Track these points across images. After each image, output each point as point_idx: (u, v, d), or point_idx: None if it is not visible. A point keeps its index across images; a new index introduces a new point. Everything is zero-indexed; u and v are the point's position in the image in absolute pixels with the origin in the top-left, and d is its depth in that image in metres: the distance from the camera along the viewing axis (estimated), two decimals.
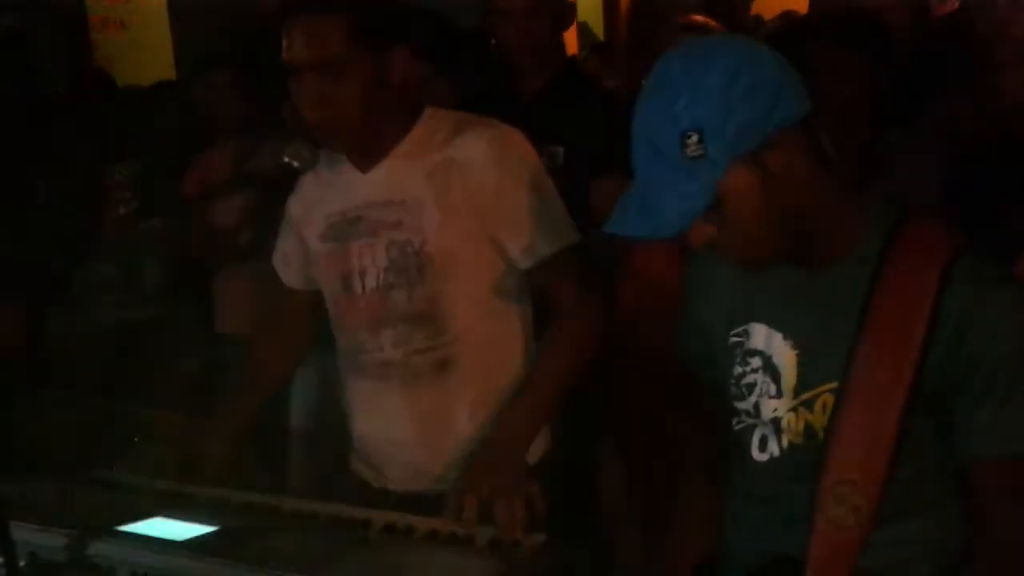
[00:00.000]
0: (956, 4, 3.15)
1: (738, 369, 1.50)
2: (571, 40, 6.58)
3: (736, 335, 1.52)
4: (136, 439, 2.39)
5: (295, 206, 2.13)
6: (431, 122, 1.98)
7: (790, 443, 1.45)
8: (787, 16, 4.01)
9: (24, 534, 1.63)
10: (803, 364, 1.43)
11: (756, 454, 1.49)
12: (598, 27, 7.35)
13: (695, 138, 1.30)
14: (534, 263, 1.95)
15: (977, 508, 1.38)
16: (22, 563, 1.60)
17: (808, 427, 1.42)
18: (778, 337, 1.46)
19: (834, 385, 1.39)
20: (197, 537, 1.68)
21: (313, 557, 1.59)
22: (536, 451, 1.98)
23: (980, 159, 2.40)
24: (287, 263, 2.18)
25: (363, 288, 1.99)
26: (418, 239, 1.93)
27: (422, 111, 2.00)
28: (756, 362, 1.48)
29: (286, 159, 2.00)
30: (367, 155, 1.98)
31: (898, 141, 2.53)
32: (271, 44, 1.94)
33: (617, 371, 2.15)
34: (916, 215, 1.44)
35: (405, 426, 2.00)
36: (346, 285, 2.01)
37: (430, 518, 1.78)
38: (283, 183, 2.11)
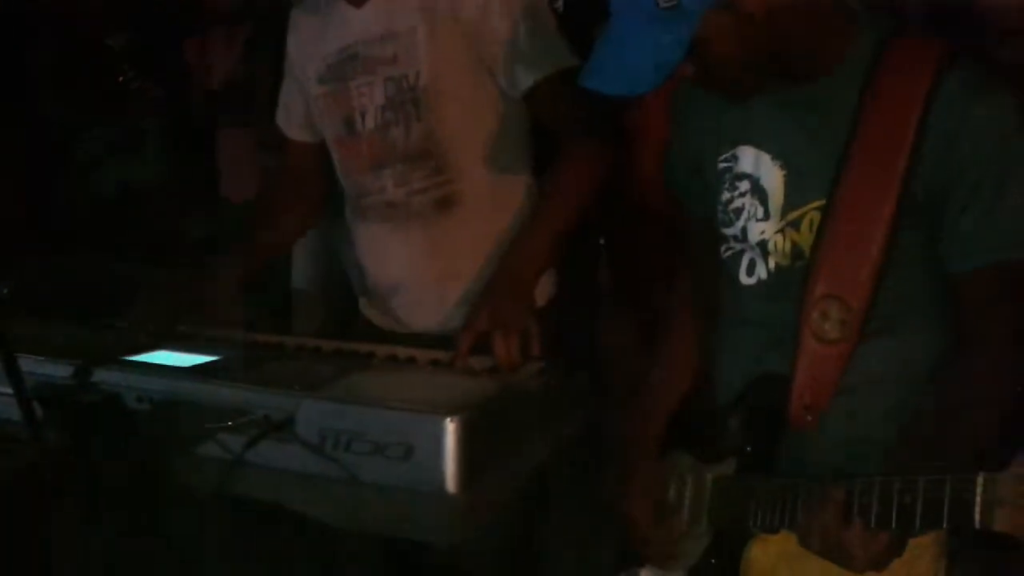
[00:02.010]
0: None
1: (726, 195, 1.48)
2: None
3: (725, 160, 1.49)
4: (142, 295, 2.40)
5: (293, 47, 2.10)
6: None
7: (777, 265, 1.43)
8: None
9: (32, 365, 1.64)
10: (790, 183, 1.41)
11: (744, 278, 1.48)
12: None
13: None
14: (527, 88, 1.89)
15: (963, 317, 1.37)
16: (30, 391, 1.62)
17: (795, 247, 1.41)
18: (766, 158, 1.44)
19: (821, 203, 1.38)
20: (200, 364, 1.71)
21: (315, 378, 1.60)
22: (541, 295, 1.97)
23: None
24: (289, 113, 2.15)
25: (363, 128, 1.97)
26: (412, 72, 1.91)
27: None
28: (744, 186, 1.46)
29: None
30: None
31: None
32: None
33: (617, 206, 2.13)
34: (905, 29, 1.41)
35: (411, 266, 2.00)
36: (348, 126, 2.00)
37: (432, 350, 1.80)
38: (276, 17, 2.08)
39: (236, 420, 1.52)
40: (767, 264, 1.45)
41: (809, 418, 1.38)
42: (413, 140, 1.93)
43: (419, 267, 1.99)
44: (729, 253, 1.50)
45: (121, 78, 3.69)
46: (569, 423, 1.69)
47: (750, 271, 1.48)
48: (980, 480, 1.10)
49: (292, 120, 2.16)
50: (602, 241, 2.56)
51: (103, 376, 1.65)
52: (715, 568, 1.50)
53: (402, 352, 1.80)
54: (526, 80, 1.89)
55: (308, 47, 2.05)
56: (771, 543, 1.42)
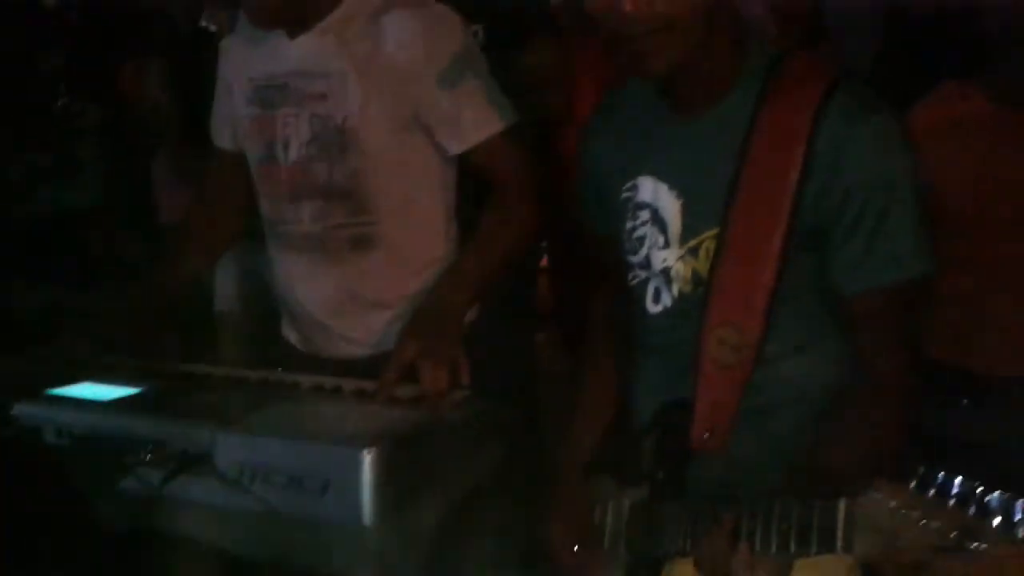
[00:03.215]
0: None
1: (629, 223, 1.51)
2: None
3: (627, 190, 1.52)
4: (69, 322, 2.38)
5: (225, 64, 2.09)
6: None
7: (680, 292, 1.46)
8: None
9: None
10: (687, 212, 1.44)
11: (651, 306, 1.50)
12: None
13: None
14: (466, 149, 1.91)
15: (853, 340, 1.40)
16: None
17: (695, 274, 1.43)
18: (663, 188, 1.46)
19: (716, 231, 1.40)
20: (121, 397, 1.69)
21: (235, 410, 1.60)
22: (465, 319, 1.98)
23: (915, 23, 2.41)
24: (219, 122, 2.14)
25: (286, 158, 1.96)
26: (340, 115, 1.89)
27: None
28: (645, 215, 1.49)
29: (203, 24, 1.97)
30: (294, 25, 1.93)
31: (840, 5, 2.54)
32: None
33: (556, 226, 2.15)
34: (792, 53, 1.44)
35: (324, 299, 1.99)
36: (269, 153, 1.98)
37: (357, 379, 1.80)
38: (203, 49, 2.07)
39: (154, 454, 1.52)
40: (671, 291, 1.47)
41: (711, 442, 1.41)
42: (336, 178, 1.92)
43: (333, 301, 1.98)
44: (636, 281, 1.53)
45: (59, 102, 3.67)
46: (492, 453, 1.70)
47: (656, 299, 1.50)
48: (842, 506, 1.12)
49: (221, 129, 2.14)
50: (544, 243, 2.59)
51: (22, 410, 1.64)
52: None
53: (328, 382, 1.80)
54: (461, 145, 1.91)
55: (238, 68, 2.04)
56: (683, 568, 1.45)
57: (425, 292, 1.93)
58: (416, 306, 1.92)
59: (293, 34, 1.93)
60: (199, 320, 2.82)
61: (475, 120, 1.89)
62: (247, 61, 2.01)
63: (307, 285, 2.00)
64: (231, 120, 2.09)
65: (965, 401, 1.81)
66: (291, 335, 2.11)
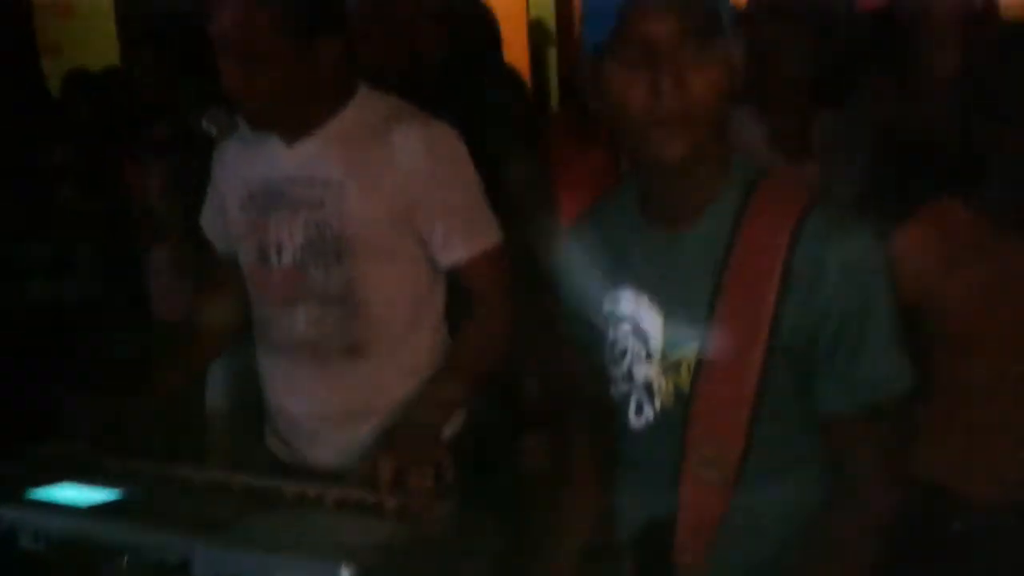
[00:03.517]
0: None
1: (612, 335, 1.51)
2: (522, 38, 6.60)
3: (609, 302, 1.53)
4: (62, 419, 2.37)
5: (219, 168, 2.11)
6: (365, 104, 1.96)
7: (662, 406, 1.46)
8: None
9: None
10: (668, 326, 1.45)
11: (633, 420, 1.50)
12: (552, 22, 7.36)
13: None
14: (454, 263, 1.95)
15: (833, 462, 1.39)
16: None
17: (677, 389, 1.43)
18: (645, 301, 1.47)
19: (696, 346, 1.40)
20: (101, 502, 1.67)
21: (217, 520, 1.57)
22: (450, 428, 1.98)
23: (904, 143, 2.44)
24: (211, 223, 2.16)
25: (279, 262, 1.97)
26: (337, 222, 1.91)
27: (355, 90, 1.97)
28: (626, 327, 1.49)
29: (204, 126, 2.00)
30: (293, 131, 1.96)
31: (830, 124, 2.58)
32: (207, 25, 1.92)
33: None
34: (773, 172, 1.46)
35: (313, 404, 2.00)
36: (262, 257, 2.00)
37: (340, 488, 1.78)
38: (203, 151, 2.10)
39: (131, 563, 1.49)
40: (653, 405, 1.47)
41: (694, 560, 1.39)
42: (332, 283, 1.94)
43: (323, 406, 1.98)
44: (618, 394, 1.53)
45: (65, 195, 3.71)
46: (476, 567, 1.67)
47: (638, 412, 1.50)
48: None
49: (214, 231, 2.17)
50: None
51: None
52: None
53: (311, 489, 1.78)
54: (451, 259, 1.95)
55: (233, 171, 2.06)
56: None
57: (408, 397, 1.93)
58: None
59: (290, 140, 1.95)
60: (192, 418, 2.80)
61: (466, 236, 1.93)
62: (242, 165, 2.04)
63: (295, 391, 2.00)
64: (224, 222, 2.10)
65: (957, 526, 1.77)
66: (274, 442, 2.10)
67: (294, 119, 1.93)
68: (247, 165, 2.03)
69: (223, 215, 2.10)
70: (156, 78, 3.26)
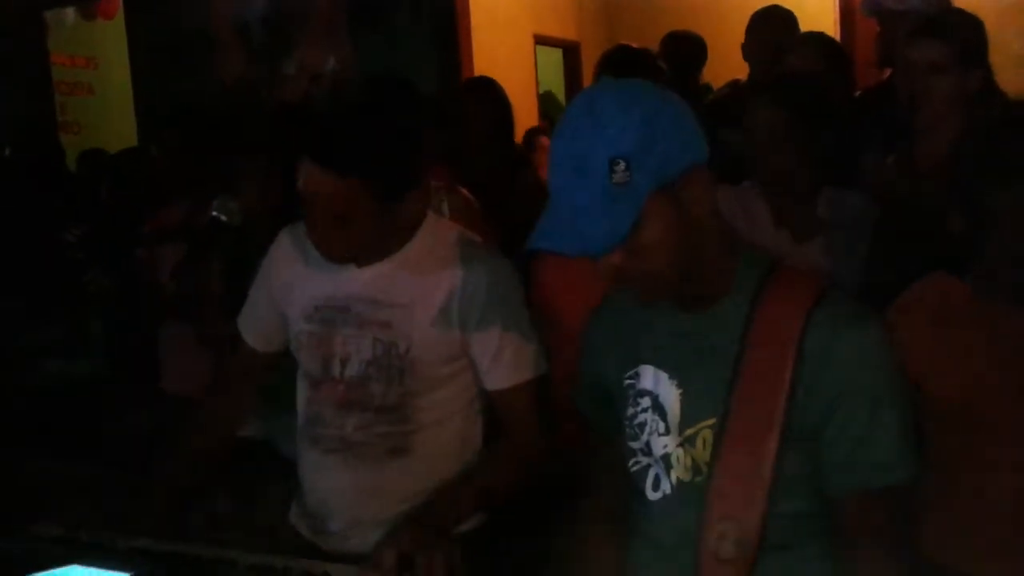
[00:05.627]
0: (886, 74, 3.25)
1: (631, 410, 1.55)
2: (532, 110, 6.71)
3: (629, 378, 1.57)
4: (72, 496, 2.38)
5: (276, 275, 2.14)
6: (432, 232, 2.03)
7: (679, 479, 1.48)
8: (735, 84, 4.11)
9: None
10: (685, 401, 1.48)
11: (650, 493, 1.52)
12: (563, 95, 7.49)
13: (623, 165, 1.34)
14: (498, 388, 2.02)
15: (839, 542, 1.40)
16: None
17: (694, 463, 1.46)
18: (664, 376, 1.51)
19: (712, 421, 1.43)
20: None
21: None
22: (467, 523, 2.01)
23: (903, 220, 2.46)
24: (251, 324, 2.20)
25: (342, 373, 2.02)
26: (404, 344, 1.98)
27: (424, 218, 2.04)
28: (646, 402, 1.52)
29: (214, 213, 2.04)
30: (367, 258, 2.01)
31: (834, 203, 2.60)
32: (225, 109, 1.98)
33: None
34: (784, 263, 1.51)
35: (350, 499, 2.04)
36: (325, 368, 2.04)
37: (349, 566, 1.79)
38: (213, 236, 2.14)
39: None
40: (670, 478, 1.49)
41: None
42: (391, 397, 2.00)
43: (359, 503, 2.03)
44: (636, 468, 1.55)
45: (86, 277, 3.75)
46: None
47: (655, 485, 1.52)
48: None
49: (250, 327, 2.21)
50: None
51: None
52: None
53: (317, 568, 1.79)
54: (497, 383, 2.01)
55: (297, 284, 2.10)
56: None
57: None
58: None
59: (360, 263, 2.01)
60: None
61: (514, 364, 1.99)
62: (308, 278, 2.08)
63: (333, 484, 2.05)
64: (270, 323, 2.16)
65: None
66: (296, 521, 2.12)
67: (371, 252, 2.00)
68: (311, 280, 2.07)
69: (270, 319, 2.15)
70: (172, 159, 3.32)
